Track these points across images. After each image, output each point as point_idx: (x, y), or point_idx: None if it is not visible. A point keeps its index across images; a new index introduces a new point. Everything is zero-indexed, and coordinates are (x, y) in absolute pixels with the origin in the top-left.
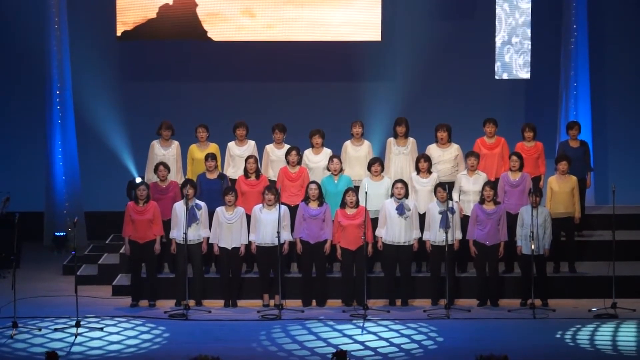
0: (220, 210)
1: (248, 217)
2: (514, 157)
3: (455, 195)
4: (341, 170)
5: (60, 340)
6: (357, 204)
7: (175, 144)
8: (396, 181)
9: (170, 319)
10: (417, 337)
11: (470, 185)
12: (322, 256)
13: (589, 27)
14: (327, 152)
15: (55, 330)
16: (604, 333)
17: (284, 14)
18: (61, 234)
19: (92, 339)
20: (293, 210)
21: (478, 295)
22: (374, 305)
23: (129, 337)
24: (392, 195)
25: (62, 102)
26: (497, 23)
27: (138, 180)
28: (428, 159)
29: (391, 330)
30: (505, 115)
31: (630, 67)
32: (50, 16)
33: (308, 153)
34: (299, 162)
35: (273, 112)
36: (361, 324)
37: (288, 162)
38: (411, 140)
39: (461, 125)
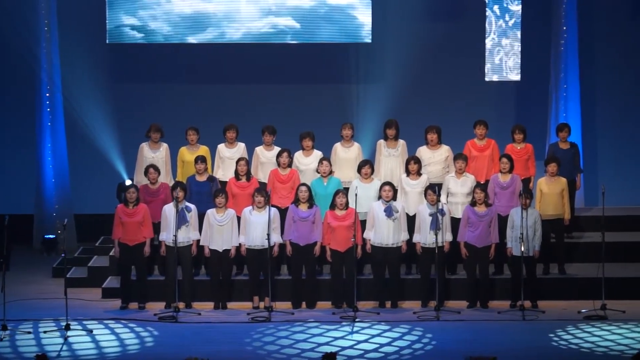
0: (210, 212)
1: (239, 219)
2: (504, 159)
3: (443, 197)
4: (331, 172)
5: (49, 342)
6: (346, 206)
7: (164, 146)
8: (384, 184)
9: (160, 321)
10: (407, 339)
11: (458, 187)
12: (312, 258)
13: (579, 29)
14: (317, 154)
15: (45, 332)
16: (594, 334)
17: (273, 16)
18: (51, 236)
19: (82, 341)
20: (284, 213)
21: (468, 297)
22: (364, 307)
23: (119, 340)
24: (379, 197)
25: (52, 104)
26: (487, 25)
27: (128, 182)
28: (418, 161)
29: (381, 332)
30: (495, 117)
31: (620, 69)
32: (40, 18)
33: (298, 155)
34: (290, 164)
35: (263, 114)
36: (351, 326)
37: (279, 164)
38: (401, 142)
39: (451, 127)
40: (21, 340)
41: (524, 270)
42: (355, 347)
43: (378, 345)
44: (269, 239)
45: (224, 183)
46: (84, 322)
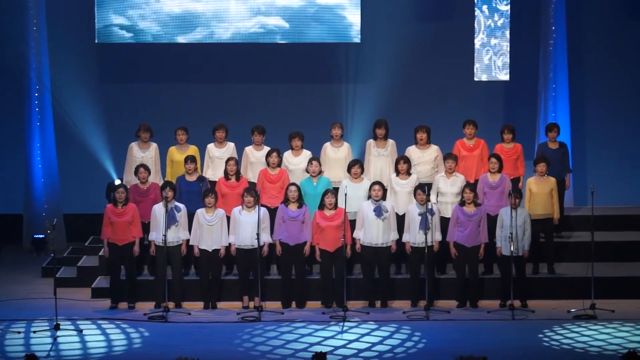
0: (200, 212)
1: (228, 219)
2: (493, 159)
3: (432, 197)
4: (320, 172)
5: (39, 342)
6: (335, 206)
7: (154, 146)
8: (373, 183)
9: (149, 321)
10: (397, 339)
11: (447, 187)
12: (302, 258)
13: (568, 28)
14: (306, 154)
15: (34, 332)
16: (583, 334)
17: (262, 16)
18: (40, 236)
19: (71, 341)
20: (273, 212)
21: (457, 297)
22: (354, 307)
23: (108, 340)
24: (369, 197)
25: (41, 103)
26: (476, 25)
27: (117, 182)
28: (407, 161)
29: (371, 331)
30: (484, 117)
31: (609, 68)
32: (29, 18)
33: (288, 155)
34: (280, 164)
35: (252, 114)
36: (341, 326)
37: (268, 164)
38: (391, 142)
39: (440, 127)
40: (10, 340)
41: (514, 270)
42: (345, 346)
43: (368, 345)
44: (258, 238)
45: (213, 183)
46: (74, 322)
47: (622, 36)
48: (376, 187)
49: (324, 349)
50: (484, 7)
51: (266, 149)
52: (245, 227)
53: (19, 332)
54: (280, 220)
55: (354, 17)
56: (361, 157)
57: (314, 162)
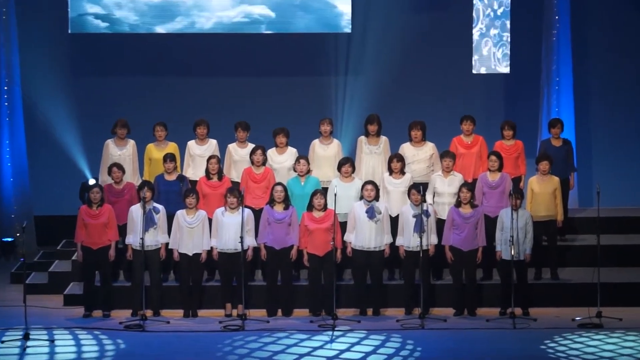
0: (180, 213)
1: (210, 221)
2: (493, 157)
3: (429, 197)
4: (308, 171)
5: (6, 353)
6: (325, 207)
7: (131, 143)
8: (366, 182)
9: (126, 330)
10: (390, 349)
11: (445, 186)
12: (288, 263)
13: (572, 18)
14: (291, 151)
15: (2, 342)
16: (589, 344)
17: (246, 4)
18: (9, 239)
19: (40, 352)
20: (258, 214)
21: (454, 304)
22: (344, 315)
23: (82, 350)
24: (361, 197)
25: (10, 98)
26: (474, 14)
27: (92, 182)
28: (401, 159)
29: (362, 341)
30: (483, 112)
31: (615, 61)
32: None
33: (272, 153)
34: (265, 162)
35: (236, 109)
36: (330, 335)
37: (252, 162)
38: (383, 139)
39: (436, 123)
40: None
41: (514, 275)
42: (334, 357)
43: (359, 356)
44: (242, 242)
45: (194, 182)
46: (45, 332)
47: (629, 27)
48: (369, 186)
49: None
50: None
51: (250, 146)
52: (228, 230)
53: None
54: (265, 223)
55: (344, 6)
56: (352, 154)
57: (302, 161)
